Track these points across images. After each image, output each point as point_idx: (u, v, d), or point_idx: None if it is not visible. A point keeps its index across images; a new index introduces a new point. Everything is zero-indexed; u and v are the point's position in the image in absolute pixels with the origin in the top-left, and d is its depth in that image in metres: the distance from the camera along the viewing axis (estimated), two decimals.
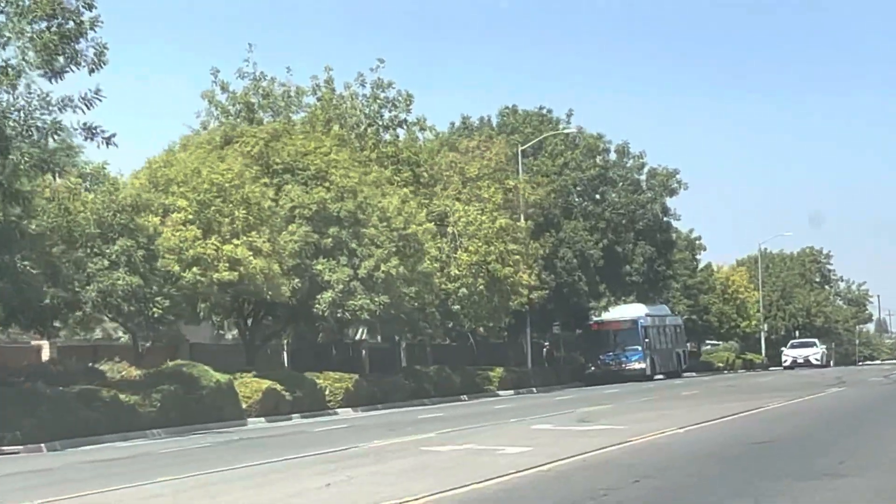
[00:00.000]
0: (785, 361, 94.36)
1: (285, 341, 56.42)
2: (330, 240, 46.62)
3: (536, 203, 66.93)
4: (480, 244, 55.91)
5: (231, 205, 42.40)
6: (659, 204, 78.65)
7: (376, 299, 46.79)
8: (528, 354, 69.18)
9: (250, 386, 41.88)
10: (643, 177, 78.79)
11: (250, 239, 42.01)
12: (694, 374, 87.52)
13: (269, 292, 42.80)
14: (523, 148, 68.73)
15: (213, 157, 44.76)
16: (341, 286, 46.28)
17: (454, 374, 57.04)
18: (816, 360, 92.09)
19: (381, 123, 58.66)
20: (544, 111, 76.01)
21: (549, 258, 67.78)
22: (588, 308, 73.21)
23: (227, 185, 42.53)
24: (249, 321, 49.50)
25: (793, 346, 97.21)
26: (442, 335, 61.45)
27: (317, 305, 46.50)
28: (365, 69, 58.81)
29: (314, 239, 46.38)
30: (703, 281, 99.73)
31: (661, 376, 75.78)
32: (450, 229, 56.34)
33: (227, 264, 41.05)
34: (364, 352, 62.29)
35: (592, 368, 72.55)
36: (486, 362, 66.11)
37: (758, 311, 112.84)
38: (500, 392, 60.59)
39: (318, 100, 57.49)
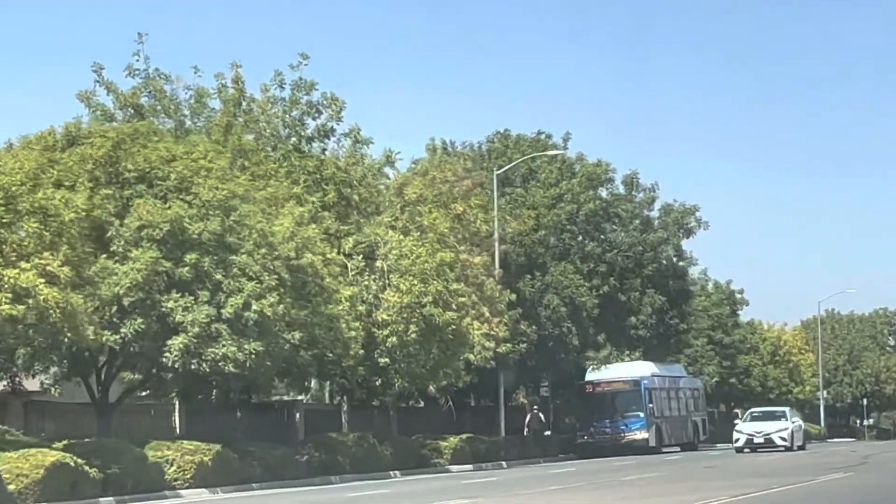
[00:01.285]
0: (736, 441, 60.29)
1: (175, 402, 45.66)
2: (187, 269, 35.77)
3: (514, 239, 55.76)
4: (415, 282, 44.58)
5: (25, 216, 31.79)
6: (672, 245, 66.62)
7: (246, 346, 35.81)
8: (501, 420, 57.78)
9: (31, 460, 30.83)
10: (655, 213, 66.77)
11: (43, 262, 31.28)
12: (729, 445, 75.90)
13: (69, 334, 31.92)
14: (498, 173, 57.31)
15: (9, 157, 34.17)
16: (198, 329, 35.36)
17: (381, 446, 45.69)
18: (782, 438, 59.49)
19: (303, 134, 47.79)
20: (542, 136, 64.89)
21: (531, 305, 56.42)
22: (583, 365, 61.35)
23: (14, 188, 31.80)
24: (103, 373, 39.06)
25: (753, 419, 62.33)
26: (361, 395, 49.97)
27: (166, 354, 35.59)
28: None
29: (165, 268, 35.54)
30: (744, 339, 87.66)
31: (676, 448, 64.22)
32: (378, 263, 45.20)
33: (9, 295, 30.39)
34: (298, 415, 51.45)
35: (585, 437, 60.72)
36: (469, 429, 55.42)
37: (813, 375, 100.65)
38: (453, 467, 49.25)
39: (223, 102, 46.76)
